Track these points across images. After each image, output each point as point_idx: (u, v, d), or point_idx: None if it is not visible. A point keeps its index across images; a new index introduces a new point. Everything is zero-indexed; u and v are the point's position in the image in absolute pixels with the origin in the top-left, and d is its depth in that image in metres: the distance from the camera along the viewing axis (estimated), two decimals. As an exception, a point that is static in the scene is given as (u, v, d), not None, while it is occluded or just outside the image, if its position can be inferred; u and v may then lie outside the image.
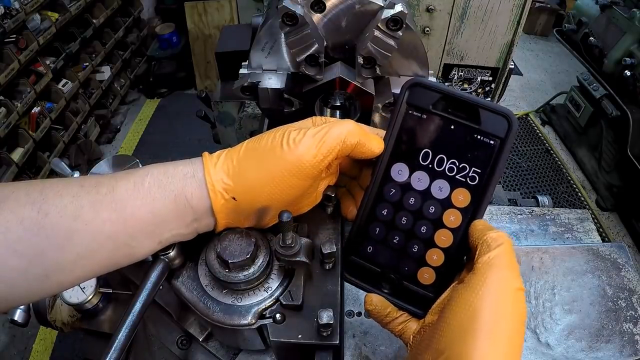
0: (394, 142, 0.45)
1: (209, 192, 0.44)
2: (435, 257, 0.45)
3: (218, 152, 0.48)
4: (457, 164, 0.43)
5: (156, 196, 0.43)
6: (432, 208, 0.44)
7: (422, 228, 0.45)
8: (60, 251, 0.39)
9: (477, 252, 0.40)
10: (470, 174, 0.43)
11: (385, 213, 0.46)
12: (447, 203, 0.44)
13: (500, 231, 0.41)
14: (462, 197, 0.43)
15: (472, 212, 0.43)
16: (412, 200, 0.45)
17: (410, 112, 0.45)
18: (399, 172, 0.46)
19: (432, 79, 0.83)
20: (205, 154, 0.47)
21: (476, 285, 0.38)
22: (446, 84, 1.31)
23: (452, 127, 0.43)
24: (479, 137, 0.43)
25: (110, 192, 0.41)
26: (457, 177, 0.43)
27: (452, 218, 0.44)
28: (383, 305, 0.46)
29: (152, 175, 0.44)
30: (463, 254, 0.45)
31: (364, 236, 0.47)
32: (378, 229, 0.47)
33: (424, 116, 0.44)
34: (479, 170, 0.43)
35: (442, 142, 0.44)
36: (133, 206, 0.42)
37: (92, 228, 0.40)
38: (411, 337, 0.44)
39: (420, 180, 0.45)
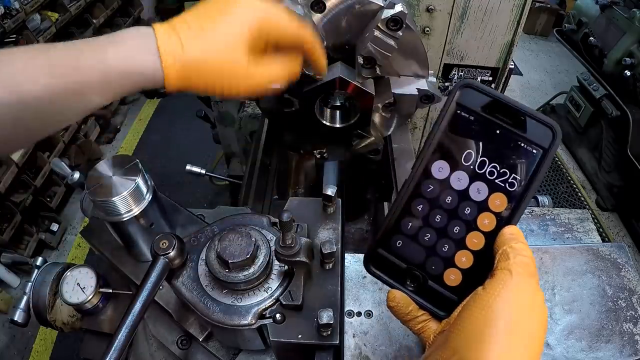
0: (438, 139, 0.45)
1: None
2: (464, 259, 0.44)
3: None
4: (498, 169, 0.44)
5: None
6: (467, 209, 0.44)
7: (455, 228, 0.45)
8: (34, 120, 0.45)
9: (497, 259, 0.41)
10: (509, 180, 0.43)
11: (420, 209, 0.46)
12: (483, 206, 0.44)
13: (523, 244, 0.41)
14: (499, 202, 0.43)
15: (507, 218, 0.43)
16: (449, 199, 0.45)
17: (458, 112, 0.45)
18: (440, 169, 0.46)
19: (432, 79, 0.84)
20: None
21: (495, 289, 0.38)
22: (446, 83, 1.31)
23: (498, 131, 0.44)
24: (523, 144, 0.43)
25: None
26: (496, 181, 0.44)
27: (487, 221, 0.44)
28: (405, 302, 0.46)
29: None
30: (492, 260, 0.44)
31: (395, 230, 0.47)
32: (410, 223, 0.46)
33: (472, 118, 0.45)
34: (519, 177, 0.43)
35: (486, 145, 0.44)
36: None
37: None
38: (432, 336, 0.44)
39: (459, 180, 0.45)
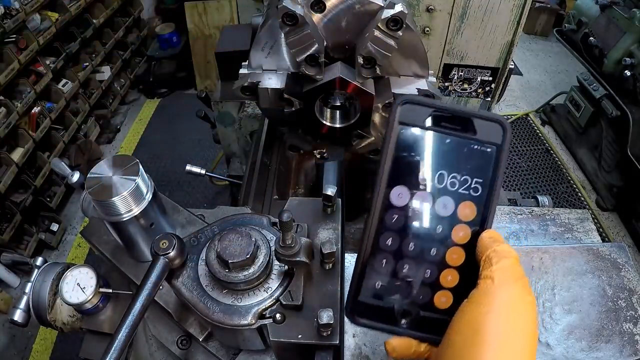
0: (390, 165, 0.43)
1: None
2: (450, 278, 0.43)
3: None
4: (459, 178, 0.42)
5: None
6: (439, 227, 0.43)
7: (431, 250, 0.43)
8: None
9: (481, 267, 0.40)
10: (473, 186, 0.42)
11: (389, 243, 0.44)
12: (453, 219, 0.43)
13: (506, 245, 0.40)
14: (468, 211, 0.42)
15: (480, 224, 0.42)
16: (417, 223, 0.43)
17: (403, 131, 0.43)
18: (399, 195, 0.43)
19: (432, 79, 0.84)
20: None
21: (478, 300, 0.37)
22: (446, 84, 1.31)
23: (448, 140, 0.42)
24: (476, 146, 0.42)
25: None
26: (460, 190, 0.42)
27: (461, 234, 0.42)
28: (405, 346, 0.44)
29: None
30: (478, 270, 0.42)
31: (370, 272, 0.45)
32: (385, 261, 0.44)
33: (418, 133, 0.43)
34: (481, 180, 0.42)
35: (440, 157, 0.43)
36: None
37: None
38: None
39: (423, 200, 0.43)
